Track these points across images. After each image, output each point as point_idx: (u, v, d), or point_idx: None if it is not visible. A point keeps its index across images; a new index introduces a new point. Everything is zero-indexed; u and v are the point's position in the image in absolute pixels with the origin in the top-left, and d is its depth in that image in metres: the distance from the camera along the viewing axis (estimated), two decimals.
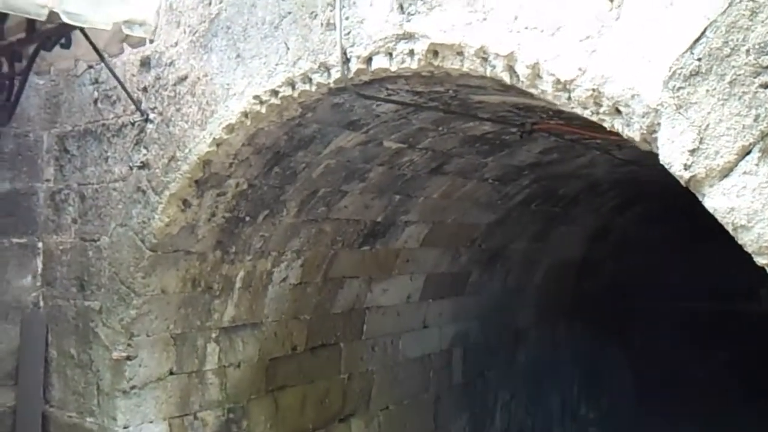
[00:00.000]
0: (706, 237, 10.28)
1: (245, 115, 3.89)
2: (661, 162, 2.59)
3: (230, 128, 3.97)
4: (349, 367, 6.10)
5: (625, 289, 9.93)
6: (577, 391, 9.39)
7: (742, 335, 10.87)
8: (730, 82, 2.41)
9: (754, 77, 2.36)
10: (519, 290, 8.20)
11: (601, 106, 2.74)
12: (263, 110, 3.83)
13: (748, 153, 2.38)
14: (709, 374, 10.26)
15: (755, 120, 2.36)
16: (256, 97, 3.81)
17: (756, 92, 2.36)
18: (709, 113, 2.45)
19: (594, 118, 2.79)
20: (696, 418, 9.33)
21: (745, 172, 2.39)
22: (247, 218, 4.68)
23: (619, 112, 2.70)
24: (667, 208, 9.35)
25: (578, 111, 2.83)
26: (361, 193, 5.26)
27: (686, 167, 2.49)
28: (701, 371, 10.36)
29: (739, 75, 2.39)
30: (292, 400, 5.56)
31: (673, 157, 2.53)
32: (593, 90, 2.72)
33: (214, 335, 4.92)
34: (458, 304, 7.32)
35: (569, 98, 2.82)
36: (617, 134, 4.68)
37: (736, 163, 2.41)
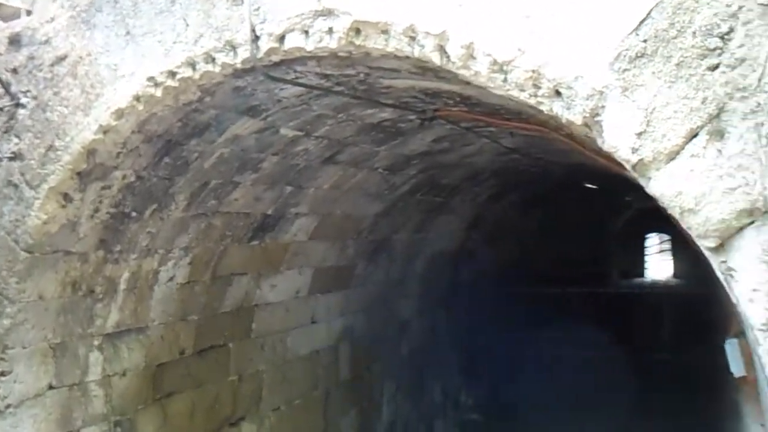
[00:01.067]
0: (572, 226, 10.89)
1: (137, 98, 3.54)
2: (605, 147, 2.54)
3: (119, 113, 3.59)
4: (238, 368, 5.79)
5: (499, 276, 10.15)
6: (458, 378, 9.50)
7: (602, 315, 11.52)
8: (677, 65, 2.38)
9: (701, 59, 2.35)
10: (402, 281, 8.17)
11: (540, 88, 2.65)
12: (158, 93, 3.50)
13: (696, 136, 2.37)
14: (579, 352, 10.73)
15: (703, 102, 2.35)
16: (150, 78, 3.47)
17: (703, 75, 2.35)
18: (655, 96, 2.42)
19: (531, 101, 2.70)
20: (571, 394, 9.71)
21: (692, 155, 2.38)
22: (134, 213, 4.28)
23: (559, 94, 2.62)
24: (539, 197, 9.66)
25: (514, 93, 2.73)
26: (253, 185, 4.99)
27: (633, 150, 2.45)
28: (572, 350, 10.81)
29: (686, 57, 2.37)
30: (181, 407, 5.20)
31: (619, 140, 2.48)
32: (533, 71, 2.63)
33: (96, 343, 4.47)
34: (345, 297, 7.17)
35: (505, 80, 2.72)
36: (518, 121, 4.68)
37: (683, 146, 2.39)
